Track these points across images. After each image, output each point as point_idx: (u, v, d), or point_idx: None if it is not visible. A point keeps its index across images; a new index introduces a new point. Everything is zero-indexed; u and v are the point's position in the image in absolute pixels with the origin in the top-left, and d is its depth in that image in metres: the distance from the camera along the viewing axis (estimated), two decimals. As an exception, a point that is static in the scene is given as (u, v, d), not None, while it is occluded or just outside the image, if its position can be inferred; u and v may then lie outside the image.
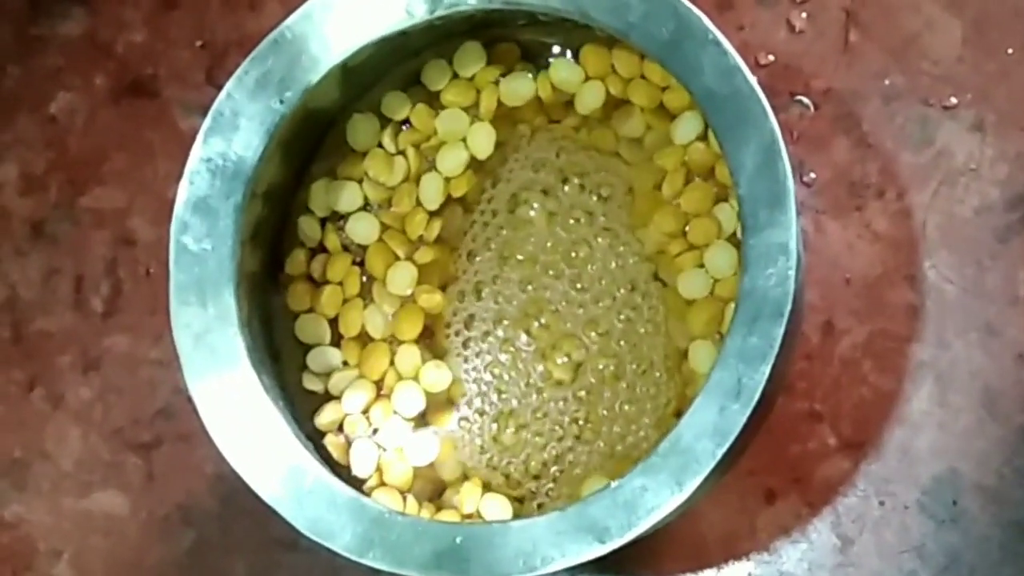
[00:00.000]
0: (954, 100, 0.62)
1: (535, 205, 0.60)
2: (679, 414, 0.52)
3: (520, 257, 0.60)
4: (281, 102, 0.55)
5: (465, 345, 0.60)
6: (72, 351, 0.69)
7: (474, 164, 0.60)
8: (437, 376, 0.59)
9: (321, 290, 0.60)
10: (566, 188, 0.59)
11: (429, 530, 0.52)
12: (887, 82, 0.63)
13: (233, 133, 0.55)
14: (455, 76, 0.60)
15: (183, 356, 0.54)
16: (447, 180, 0.60)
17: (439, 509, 0.58)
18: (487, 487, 0.58)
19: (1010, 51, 0.62)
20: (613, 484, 0.50)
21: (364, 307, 0.60)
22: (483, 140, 0.59)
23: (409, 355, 0.59)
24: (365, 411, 0.59)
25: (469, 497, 0.57)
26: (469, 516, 0.57)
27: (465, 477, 0.59)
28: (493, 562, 0.50)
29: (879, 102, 0.63)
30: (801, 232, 0.55)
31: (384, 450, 0.58)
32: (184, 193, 0.55)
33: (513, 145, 0.60)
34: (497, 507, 0.57)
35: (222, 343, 0.54)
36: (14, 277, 0.70)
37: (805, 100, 0.63)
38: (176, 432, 0.66)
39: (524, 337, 0.59)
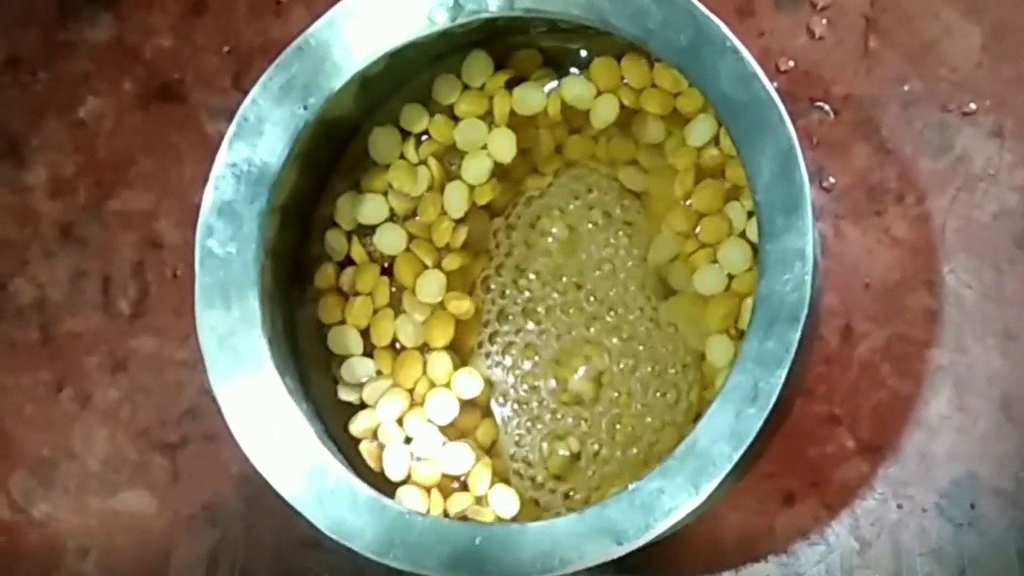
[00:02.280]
0: (973, 106, 0.62)
1: (554, 230, 0.60)
2: (698, 418, 0.52)
3: (532, 275, 0.60)
4: (305, 108, 0.56)
5: (488, 356, 0.60)
6: (100, 352, 0.69)
7: (498, 172, 0.60)
8: (469, 382, 0.59)
9: (351, 302, 0.61)
10: (580, 204, 0.60)
11: (449, 530, 0.52)
12: (906, 88, 0.63)
13: (258, 138, 0.56)
14: (466, 87, 0.60)
15: (208, 358, 0.55)
16: (472, 188, 0.60)
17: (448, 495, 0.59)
18: (504, 480, 0.59)
19: (1029, 57, 0.63)
20: (631, 487, 0.50)
21: (395, 316, 0.60)
22: (504, 145, 0.60)
23: (441, 362, 0.60)
24: (399, 419, 0.59)
25: (480, 479, 0.58)
26: (480, 499, 0.58)
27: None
28: (512, 563, 0.51)
29: (898, 108, 0.63)
30: (820, 237, 0.55)
31: (418, 460, 0.59)
32: (209, 197, 0.56)
33: (532, 161, 0.61)
34: (505, 498, 0.58)
35: (246, 345, 0.55)
36: (43, 279, 0.71)
37: (825, 106, 0.64)
38: (202, 432, 0.67)
39: (544, 347, 0.60)
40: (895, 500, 0.61)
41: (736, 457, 0.49)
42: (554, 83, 0.60)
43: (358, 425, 0.59)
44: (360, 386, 0.60)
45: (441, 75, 0.60)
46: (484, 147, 0.60)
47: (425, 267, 0.60)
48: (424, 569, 0.52)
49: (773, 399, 0.49)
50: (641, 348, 0.58)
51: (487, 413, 0.60)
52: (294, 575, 0.65)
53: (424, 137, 0.61)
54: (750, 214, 0.56)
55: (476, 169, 0.60)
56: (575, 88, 0.59)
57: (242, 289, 0.55)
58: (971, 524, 0.60)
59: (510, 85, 0.60)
